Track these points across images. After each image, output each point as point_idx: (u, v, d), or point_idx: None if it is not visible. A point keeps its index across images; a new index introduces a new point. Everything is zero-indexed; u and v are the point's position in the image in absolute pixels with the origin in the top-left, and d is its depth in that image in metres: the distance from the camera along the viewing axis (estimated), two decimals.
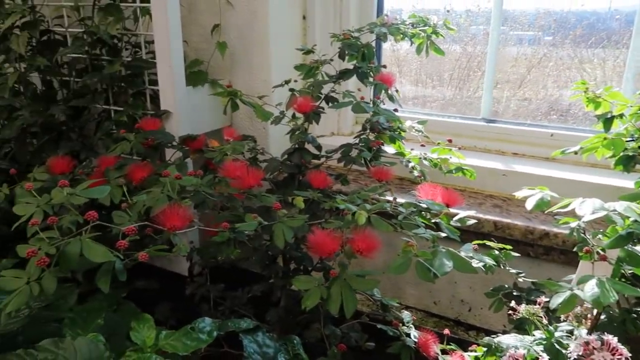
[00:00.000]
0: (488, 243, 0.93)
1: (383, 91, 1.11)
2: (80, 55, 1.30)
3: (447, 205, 0.84)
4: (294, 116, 1.14)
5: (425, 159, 1.13)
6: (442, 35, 1.19)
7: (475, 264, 0.68)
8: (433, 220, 0.83)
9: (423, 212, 0.79)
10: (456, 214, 0.91)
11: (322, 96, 1.10)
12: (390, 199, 0.92)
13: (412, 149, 1.19)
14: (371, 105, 1.10)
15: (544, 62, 1.41)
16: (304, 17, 1.47)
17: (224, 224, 0.77)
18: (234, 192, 0.88)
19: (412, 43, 1.18)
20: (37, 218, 0.66)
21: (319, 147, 1.11)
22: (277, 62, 1.38)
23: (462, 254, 0.67)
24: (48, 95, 1.40)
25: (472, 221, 0.87)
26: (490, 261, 0.71)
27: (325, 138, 1.55)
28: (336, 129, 1.59)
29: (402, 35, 1.14)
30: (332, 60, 1.16)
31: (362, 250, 0.70)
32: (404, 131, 1.12)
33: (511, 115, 1.44)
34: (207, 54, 1.42)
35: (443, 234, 0.75)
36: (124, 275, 0.65)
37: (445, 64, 1.58)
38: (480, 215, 1.14)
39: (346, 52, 1.12)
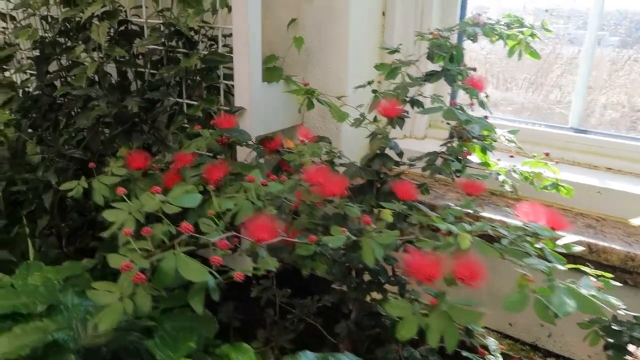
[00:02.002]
0: (583, 268, 0.84)
1: (473, 96, 1.03)
2: (156, 47, 1.29)
3: (553, 229, 0.76)
4: (375, 119, 1.07)
5: (514, 171, 1.04)
6: (538, 37, 1.10)
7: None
8: (536, 245, 0.75)
9: (528, 237, 0.71)
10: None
11: (408, 99, 1.04)
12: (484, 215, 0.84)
13: (498, 160, 1.10)
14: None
15: None
16: (383, 14, 1.40)
17: (312, 238, 0.72)
18: (315, 200, 0.83)
19: (505, 44, 1.09)
20: (129, 227, 0.63)
21: (400, 154, 1.05)
22: (353, 59, 1.32)
23: (583, 291, 0.60)
24: (122, 86, 1.40)
25: (580, 248, 0.78)
26: (615, 301, 0.62)
27: (397, 141, 1.48)
28: (409, 132, 1.51)
29: (497, 36, 1.05)
30: (417, 60, 1.09)
31: (465, 278, 0.63)
32: (495, 141, 1.04)
33: (603, 126, 1.32)
34: (281, 48, 1.38)
35: (560, 267, 0.68)
36: (217, 294, 0.61)
37: (521, 67, 1.47)
38: (572, 237, 1.05)
39: (435, 53, 1.05)
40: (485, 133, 1.03)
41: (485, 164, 1.09)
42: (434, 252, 0.68)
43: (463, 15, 1.42)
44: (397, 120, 1.00)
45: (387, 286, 1.06)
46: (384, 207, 0.84)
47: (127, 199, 0.67)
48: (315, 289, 1.23)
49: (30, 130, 1.49)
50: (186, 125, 1.26)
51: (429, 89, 1.40)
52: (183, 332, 0.71)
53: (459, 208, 0.81)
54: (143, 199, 0.67)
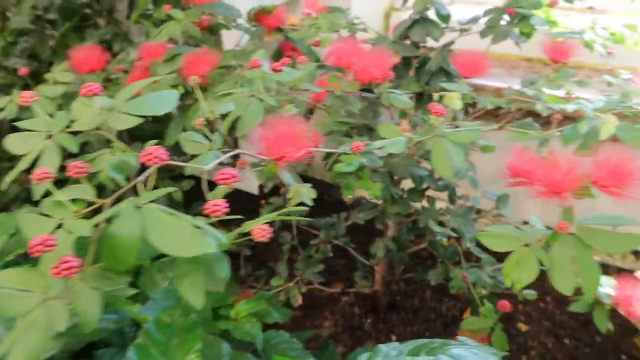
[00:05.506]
0: None
1: None
2: None
3: None
4: None
5: (603, 28, 0.78)
6: None
7: None
8: None
9: None
10: None
11: None
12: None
13: (568, 16, 0.84)
14: None
15: None
16: None
17: (356, 146, 0.48)
18: (349, 90, 0.58)
19: None
20: (49, 164, 0.37)
21: (446, 18, 0.77)
22: None
23: None
24: None
25: None
26: None
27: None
28: None
29: None
30: None
31: (608, 182, 0.41)
32: None
33: None
34: None
35: None
36: (227, 269, 0.37)
37: None
38: None
39: None
40: None
41: (552, 23, 0.83)
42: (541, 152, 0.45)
43: None
44: None
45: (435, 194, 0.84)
46: (445, 90, 0.59)
47: (47, 113, 0.41)
48: (335, 204, 1.01)
49: None
50: (150, 11, 0.97)
51: None
52: (183, 334, 0.45)
53: (553, 80, 0.56)
54: (73, 107, 0.40)
